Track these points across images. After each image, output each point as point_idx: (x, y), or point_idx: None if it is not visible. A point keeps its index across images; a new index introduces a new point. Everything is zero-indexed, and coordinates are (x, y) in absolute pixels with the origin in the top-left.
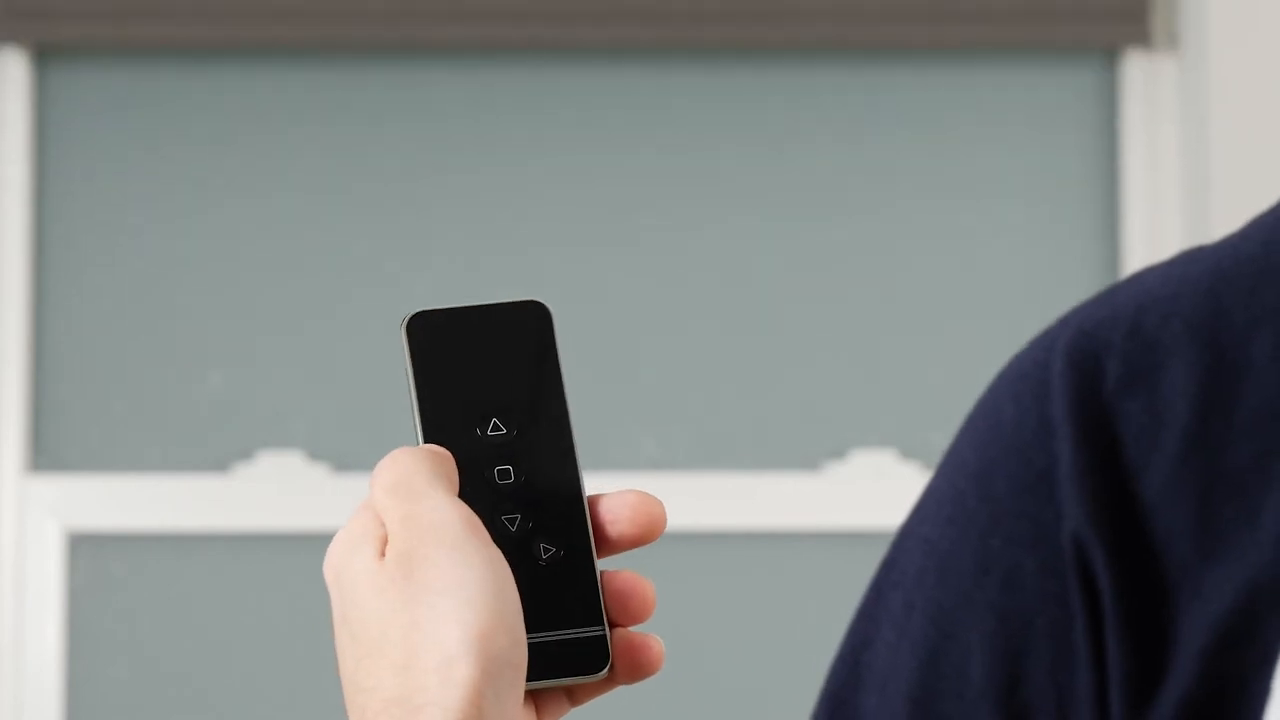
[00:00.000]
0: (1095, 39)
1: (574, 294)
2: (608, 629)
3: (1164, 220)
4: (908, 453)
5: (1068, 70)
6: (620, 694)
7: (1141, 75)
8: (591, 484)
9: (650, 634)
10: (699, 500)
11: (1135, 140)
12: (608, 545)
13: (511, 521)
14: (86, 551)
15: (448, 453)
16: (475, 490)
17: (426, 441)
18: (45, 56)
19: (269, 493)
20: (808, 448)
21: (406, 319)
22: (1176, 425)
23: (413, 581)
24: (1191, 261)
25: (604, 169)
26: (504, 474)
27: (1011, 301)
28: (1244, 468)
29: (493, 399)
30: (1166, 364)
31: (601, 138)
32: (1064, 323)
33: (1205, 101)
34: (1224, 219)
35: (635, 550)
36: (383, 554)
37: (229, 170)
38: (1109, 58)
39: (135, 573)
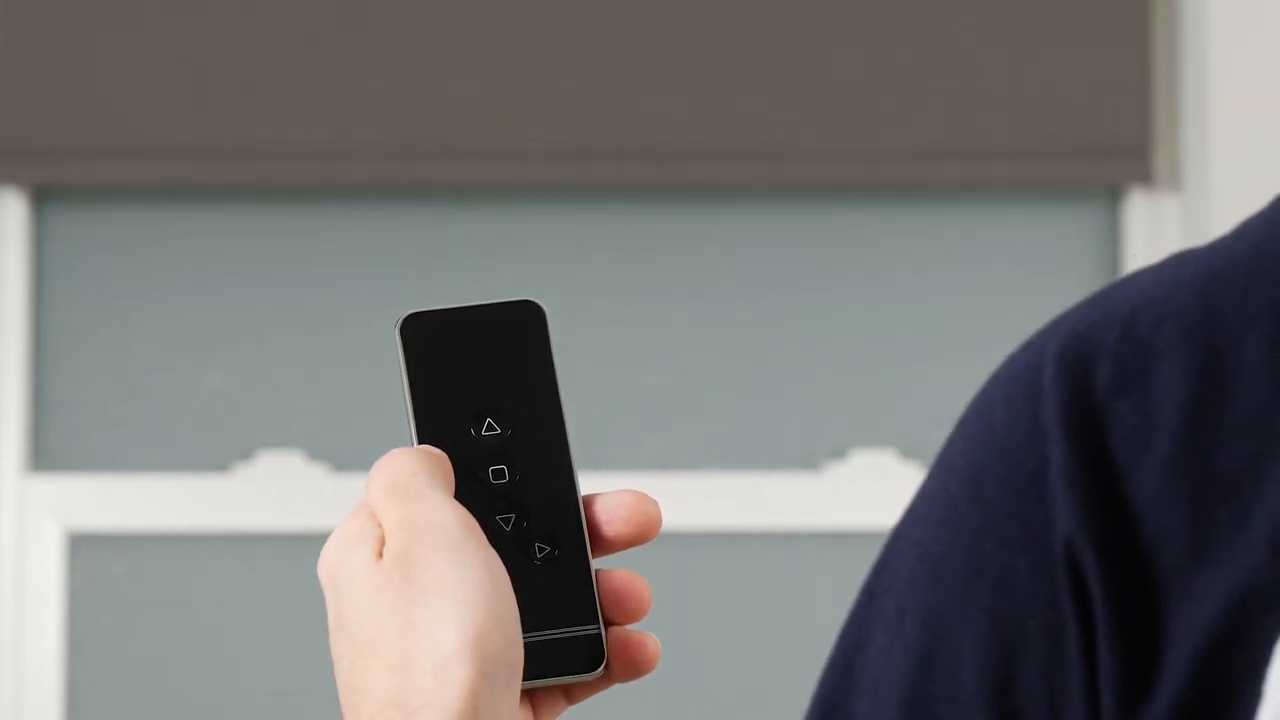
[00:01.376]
0: (1098, 178)
1: (574, 293)
2: (603, 627)
3: None
4: (908, 453)
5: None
6: (620, 694)
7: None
8: (591, 484)
9: (646, 632)
10: (699, 500)
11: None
12: (603, 545)
13: (506, 521)
14: (86, 551)
15: (444, 454)
16: (469, 490)
17: (421, 442)
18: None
19: (269, 493)
20: (808, 448)
21: (400, 320)
22: (1168, 427)
23: (409, 582)
24: (1183, 264)
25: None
26: (498, 474)
27: (1010, 277)
28: (1235, 470)
29: (487, 399)
30: (1158, 366)
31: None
32: (1056, 325)
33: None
34: None
35: (633, 551)
36: (379, 555)
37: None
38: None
39: (135, 573)
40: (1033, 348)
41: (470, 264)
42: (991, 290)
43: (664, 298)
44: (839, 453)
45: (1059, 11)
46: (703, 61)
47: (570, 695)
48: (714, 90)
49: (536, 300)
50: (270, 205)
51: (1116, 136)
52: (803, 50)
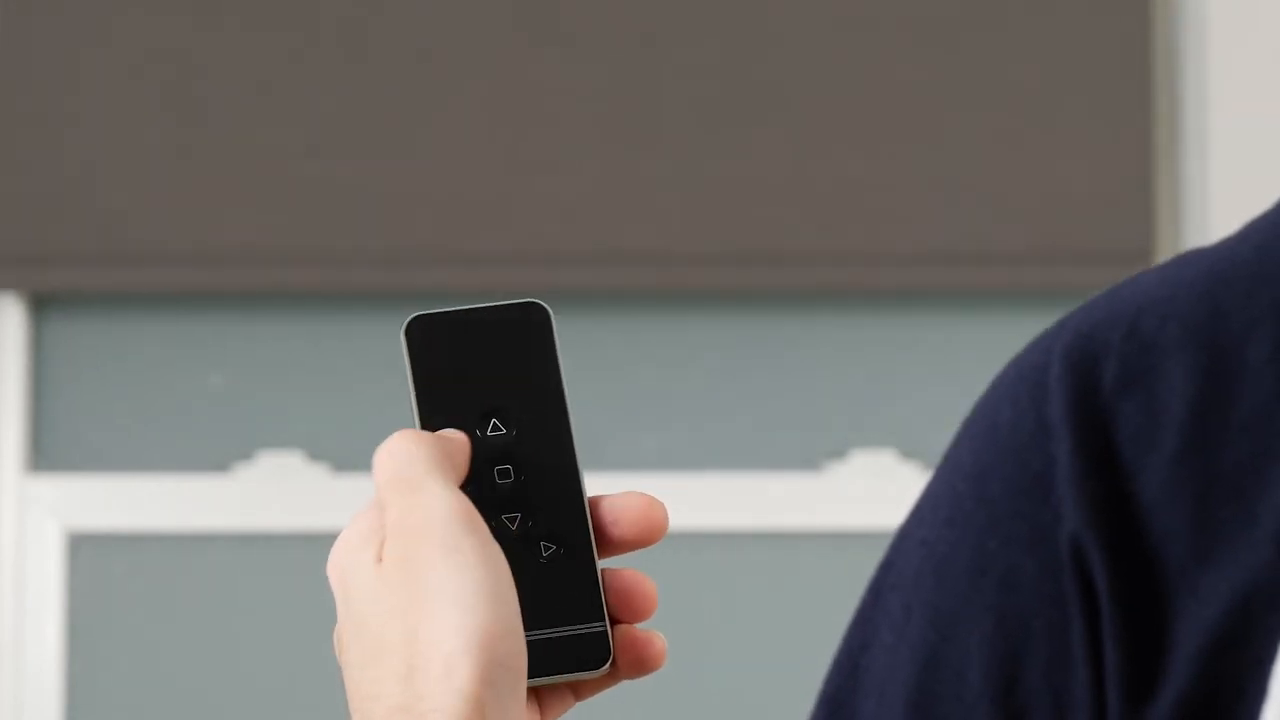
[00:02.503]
0: (1100, 282)
1: (574, 293)
2: (609, 625)
3: None
4: (908, 453)
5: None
6: (621, 694)
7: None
8: (592, 484)
9: (653, 631)
10: (699, 500)
11: None
12: (609, 546)
13: (512, 520)
14: (86, 551)
15: (455, 433)
16: (476, 491)
17: None
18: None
19: (269, 493)
20: (808, 448)
21: (406, 322)
22: (1173, 426)
23: (410, 586)
24: (1188, 264)
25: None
26: (504, 474)
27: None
28: (1241, 469)
29: (492, 399)
30: (1164, 366)
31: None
32: (1062, 325)
33: None
34: None
35: (633, 553)
36: (380, 556)
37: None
38: None
39: (135, 573)
40: (1038, 347)
41: None
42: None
43: (665, 293)
44: (839, 453)
45: (1060, 116)
46: (700, 165)
47: (577, 692)
48: (710, 194)
49: (542, 301)
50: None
51: (1119, 241)
52: (798, 156)
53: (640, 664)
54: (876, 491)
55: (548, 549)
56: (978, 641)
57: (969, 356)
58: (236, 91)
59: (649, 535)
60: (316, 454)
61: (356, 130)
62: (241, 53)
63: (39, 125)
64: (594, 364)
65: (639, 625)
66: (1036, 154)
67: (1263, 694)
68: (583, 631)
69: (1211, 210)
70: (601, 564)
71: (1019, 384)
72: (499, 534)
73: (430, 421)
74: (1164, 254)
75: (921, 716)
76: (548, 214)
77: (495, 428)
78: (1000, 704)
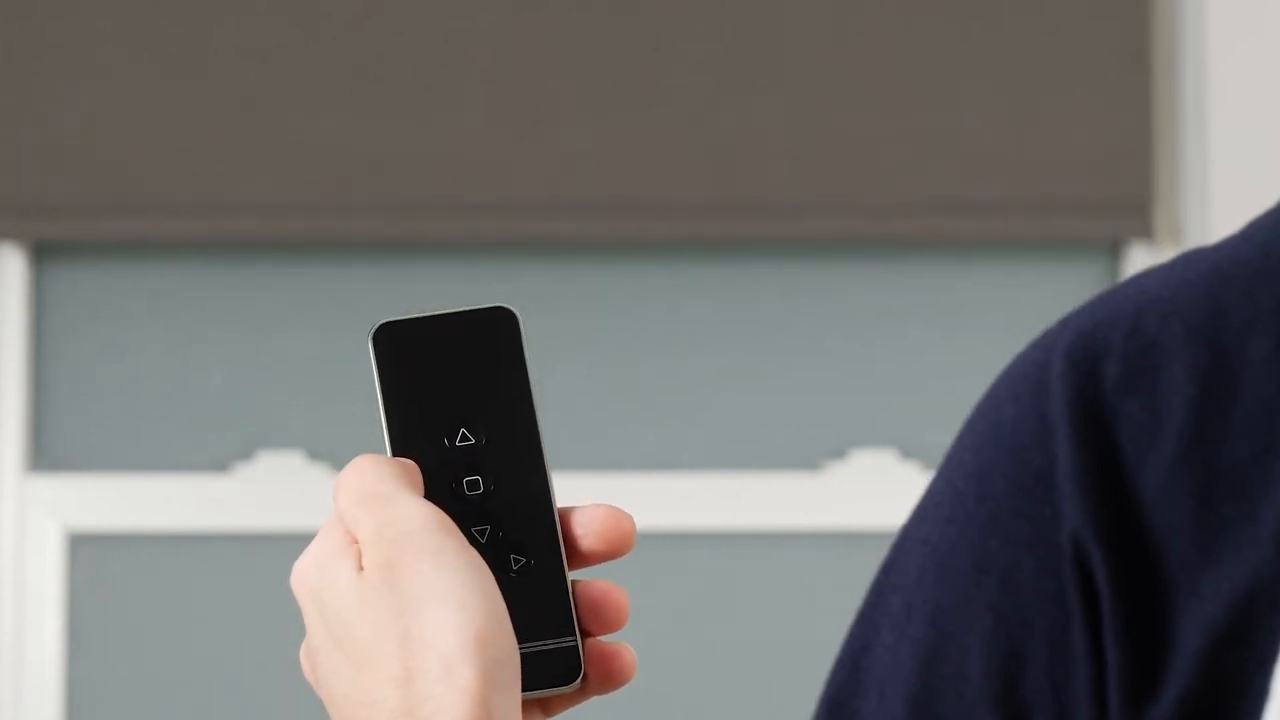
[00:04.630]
0: (1098, 233)
1: (574, 292)
2: (580, 640)
3: None
4: (908, 453)
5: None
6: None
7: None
8: (592, 484)
9: (621, 643)
10: (699, 500)
11: None
12: (579, 559)
13: (481, 533)
14: (86, 551)
15: (411, 463)
16: (444, 501)
17: (395, 453)
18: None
19: (269, 493)
20: (808, 448)
21: (373, 329)
22: (1175, 425)
23: (398, 591)
24: (1190, 264)
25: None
26: (473, 484)
27: (1010, 278)
28: (1242, 467)
29: (460, 407)
30: (1165, 364)
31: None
32: (1064, 324)
33: None
34: None
35: (633, 552)
36: (360, 567)
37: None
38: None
39: (135, 573)
40: (1040, 346)
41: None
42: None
43: (664, 297)
44: (839, 453)
45: (1061, 68)
46: (703, 118)
47: (546, 708)
48: (715, 146)
49: (509, 306)
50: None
51: (1118, 192)
52: (803, 108)
53: (609, 678)
54: (876, 491)
55: (517, 561)
56: (979, 640)
57: (968, 336)
58: (240, 42)
59: (617, 547)
60: (316, 454)
61: (358, 82)
62: (244, 4)
63: (41, 75)
64: (594, 363)
65: (611, 637)
66: (1035, 105)
67: (1265, 692)
68: (554, 647)
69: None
70: (572, 575)
71: (1021, 383)
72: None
73: (399, 431)
74: (1162, 205)
75: (922, 715)
76: (549, 165)
77: (464, 436)
78: (1001, 702)
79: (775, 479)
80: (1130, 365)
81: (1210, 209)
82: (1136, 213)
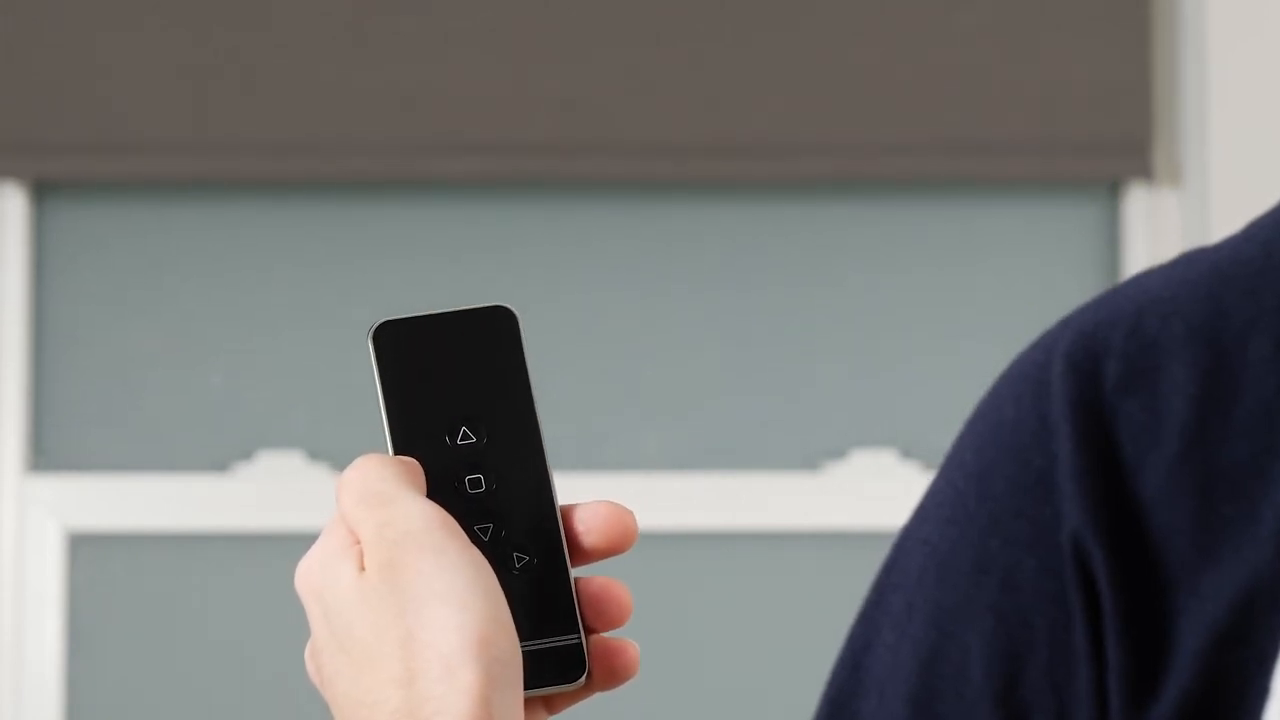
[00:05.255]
0: (1098, 173)
1: (574, 292)
2: (584, 637)
3: None
4: (908, 453)
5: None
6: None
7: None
8: (592, 484)
9: (625, 639)
10: (699, 500)
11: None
12: (581, 555)
13: (484, 531)
14: (86, 551)
15: (414, 462)
16: (447, 500)
17: (397, 452)
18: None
19: (269, 493)
20: (808, 448)
21: (373, 328)
22: (1175, 425)
23: (399, 591)
24: (1191, 264)
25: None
26: (475, 483)
27: (1010, 278)
28: (1243, 467)
29: (461, 406)
30: (1166, 364)
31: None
32: (1064, 324)
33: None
34: None
35: (633, 552)
36: (362, 567)
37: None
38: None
39: (135, 573)
40: (1041, 346)
41: (470, 258)
42: (991, 284)
43: (664, 296)
44: (839, 453)
45: (1061, 8)
46: (704, 57)
47: (550, 705)
48: (715, 86)
49: (508, 305)
50: (270, 200)
51: (1117, 132)
52: (803, 47)
53: (613, 674)
54: (876, 491)
55: (520, 559)
56: (979, 640)
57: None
58: None
59: (620, 543)
60: (316, 454)
61: (358, 22)
62: None
63: (41, 14)
64: (594, 363)
65: (613, 633)
66: (1035, 45)
67: (1266, 691)
68: (557, 644)
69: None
70: (574, 572)
71: (1021, 383)
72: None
73: (400, 429)
74: (1161, 145)
75: (922, 714)
76: (550, 104)
77: (465, 435)
78: (1002, 702)
79: (775, 479)
80: (1131, 365)
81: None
82: (1136, 152)
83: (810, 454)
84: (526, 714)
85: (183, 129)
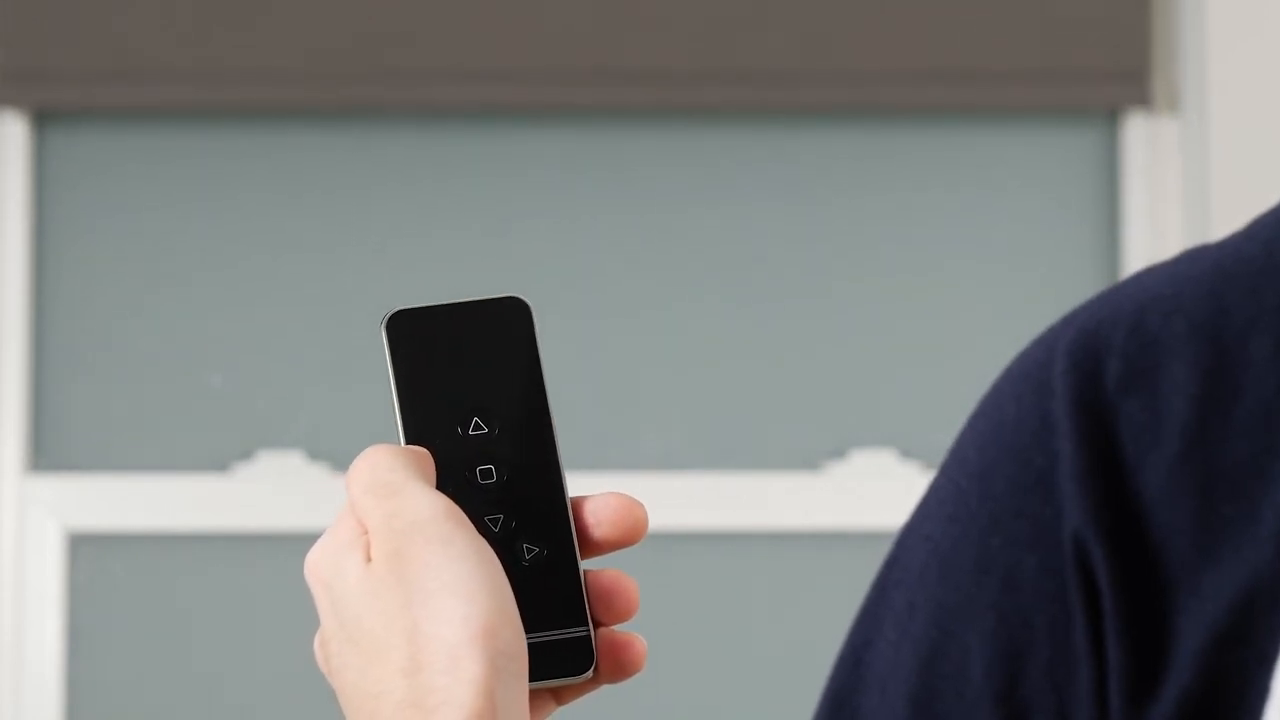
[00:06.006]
0: (1096, 101)
1: (573, 293)
2: (592, 629)
3: None
4: (908, 453)
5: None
6: (621, 694)
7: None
8: (592, 484)
9: (633, 633)
10: (699, 500)
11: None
12: (591, 547)
13: (495, 522)
14: (86, 551)
15: (424, 451)
16: (458, 490)
17: (408, 441)
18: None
19: (269, 493)
20: (808, 448)
21: (386, 318)
22: (1176, 423)
23: (406, 582)
24: (1193, 262)
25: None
26: (486, 473)
27: (1011, 329)
28: (1243, 465)
29: (473, 397)
30: (1167, 363)
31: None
32: (1066, 322)
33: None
34: None
35: (634, 551)
36: (369, 557)
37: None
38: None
39: (135, 573)
40: (1042, 344)
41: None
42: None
43: (665, 295)
44: (839, 453)
45: None
46: None
47: (559, 697)
48: (712, 12)
49: (522, 296)
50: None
51: (1115, 60)
52: None
53: (621, 667)
54: (876, 491)
55: (530, 551)
56: (980, 639)
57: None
58: None
59: (630, 535)
60: (316, 454)
61: None
62: None
63: None
64: (594, 363)
65: (620, 627)
66: None
67: (1266, 691)
68: (566, 636)
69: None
70: (583, 565)
71: (1023, 381)
72: (482, 534)
73: (411, 419)
74: (1160, 73)
75: (923, 713)
76: (548, 30)
77: (477, 426)
78: (1002, 701)
79: (775, 479)
80: (1132, 364)
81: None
82: (1134, 80)
83: (810, 454)
84: (534, 705)
85: (184, 56)
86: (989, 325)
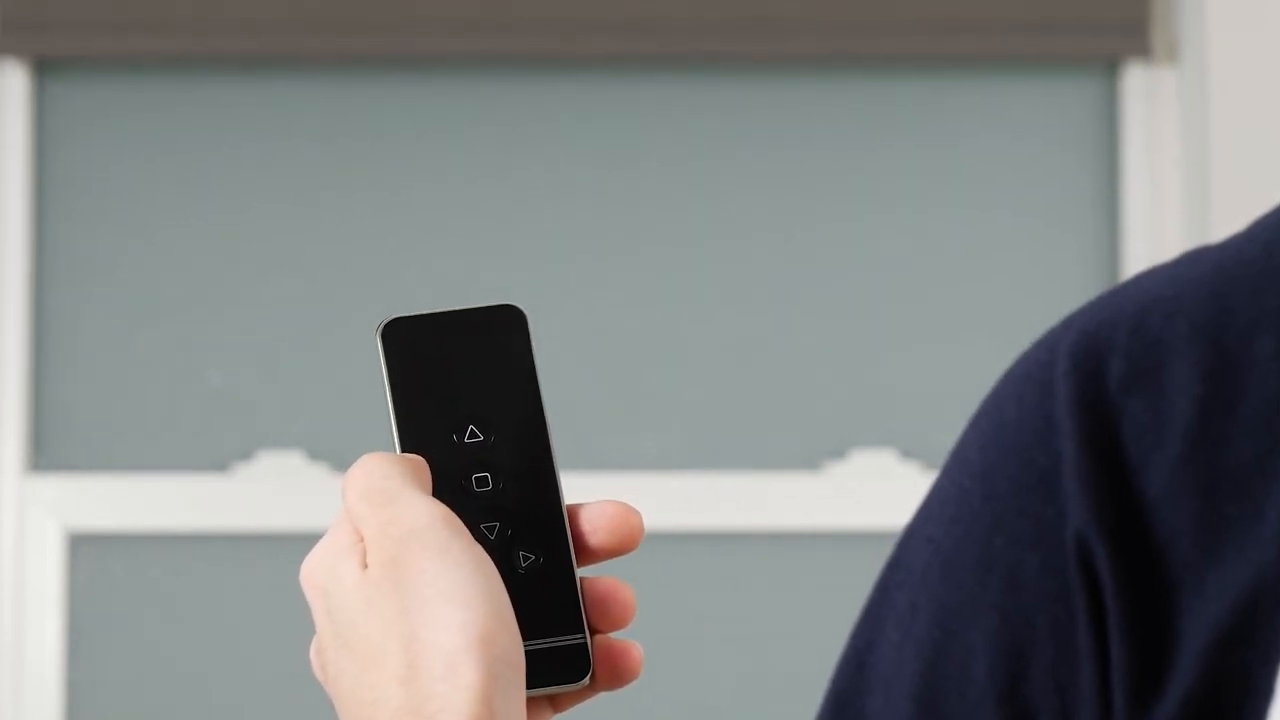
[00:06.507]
0: (1095, 51)
1: (573, 293)
2: (589, 636)
3: (1164, 229)
4: (908, 453)
5: (1068, 82)
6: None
7: (1142, 87)
8: (591, 484)
9: (629, 640)
10: (699, 500)
11: (1136, 151)
12: (587, 555)
13: (490, 530)
14: (86, 551)
15: (420, 459)
16: (454, 498)
17: (404, 449)
18: (44, 69)
19: (269, 493)
20: (808, 448)
21: (381, 325)
22: (1179, 423)
23: (402, 589)
24: (1195, 263)
25: (604, 174)
26: (481, 481)
27: (1011, 307)
28: (1246, 466)
29: (469, 405)
30: (1170, 363)
31: (604, 145)
32: (1068, 324)
33: (1205, 112)
34: (1224, 228)
35: (634, 552)
36: (366, 564)
37: (227, 180)
38: (1109, 69)
39: (135, 573)
40: (1044, 345)
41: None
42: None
43: (664, 295)
44: (839, 453)
45: None
46: None
47: (555, 704)
48: None
49: (518, 305)
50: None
51: (1114, 10)
52: None
53: (617, 675)
54: (876, 491)
55: (526, 558)
56: (983, 639)
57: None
58: None
59: (626, 543)
60: (316, 454)
61: None
62: None
63: None
64: (594, 363)
65: (617, 634)
66: None
67: (1270, 692)
68: (562, 644)
69: None
70: (579, 572)
71: (1025, 382)
72: (478, 542)
73: (407, 427)
74: (1159, 23)
75: (927, 713)
76: None
77: (473, 434)
78: (1005, 701)
79: (775, 479)
80: (1134, 364)
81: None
82: (1134, 30)
83: (810, 454)
84: (531, 713)
85: (184, 5)
86: (986, 310)
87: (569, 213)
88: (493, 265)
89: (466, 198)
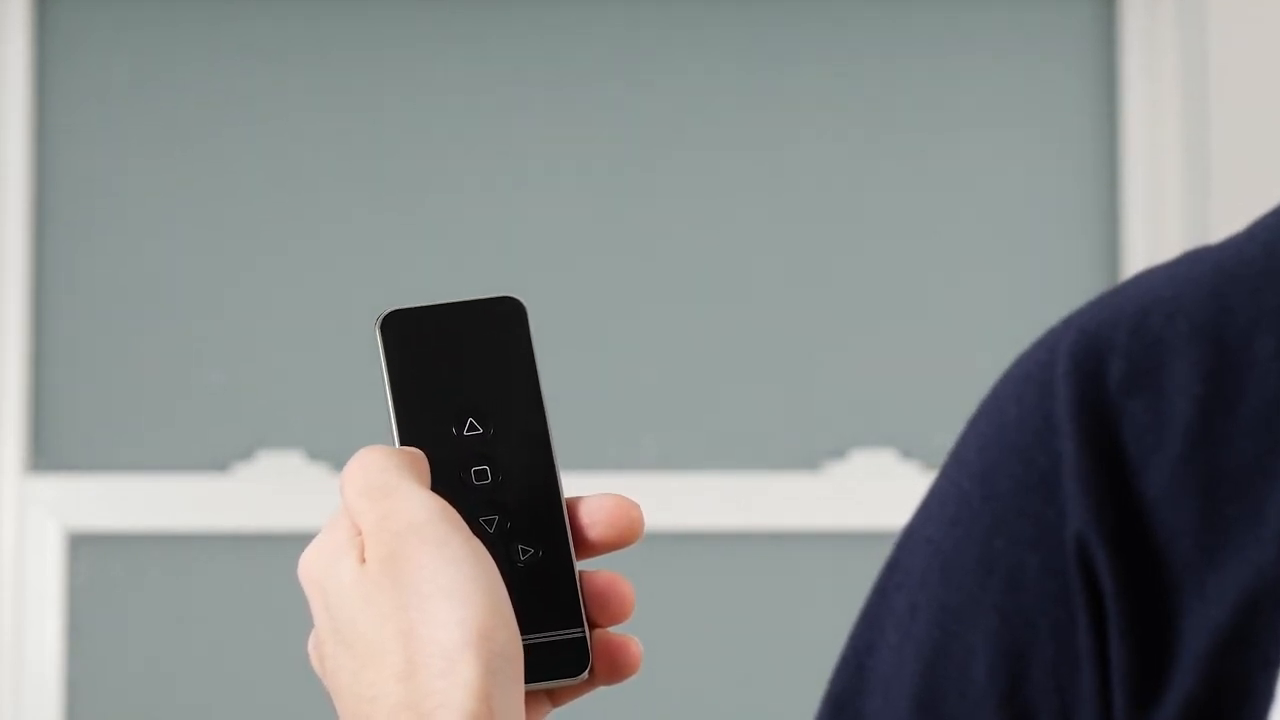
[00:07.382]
0: None
1: (573, 293)
2: (588, 631)
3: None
4: (908, 453)
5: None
6: (620, 694)
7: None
8: (591, 484)
9: (629, 635)
10: (699, 500)
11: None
12: (587, 548)
13: (489, 523)
14: (86, 551)
15: (419, 452)
16: (453, 491)
17: (403, 442)
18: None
19: (269, 493)
20: (808, 448)
21: (380, 318)
22: (1180, 424)
23: (401, 585)
24: (1195, 263)
25: (604, 170)
26: (480, 474)
27: (1012, 295)
28: (1247, 466)
29: (468, 397)
30: (1170, 363)
31: (604, 142)
32: (1067, 324)
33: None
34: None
35: (634, 552)
36: (364, 559)
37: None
38: None
39: (135, 573)
40: (1044, 346)
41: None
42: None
43: (664, 294)
44: (839, 453)
45: None
46: None
47: (554, 698)
48: None
49: (517, 296)
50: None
51: None
52: None
53: (616, 669)
54: (876, 491)
55: (525, 552)
56: (983, 640)
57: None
58: None
59: (626, 536)
60: (316, 454)
61: None
62: None
63: None
64: (593, 363)
65: (616, 629)
66: None
67: (1271, 693)
68: (561, 637)
69: None
70: (578, 566)
71: (1025, 382)
72: (477, 536)
73: (406, 420)
74: None
75: (926, 714)
76: None
77: (472, 426)
78: (1005, 702)
79: (775, 479)
80: (1134, 364)
81: None
82: None
83: (810, 454)
84: (529, 707)
85: None
86: (989, 299)
87: (569, 212)
88: (493, 265)
89: (466, 197)
